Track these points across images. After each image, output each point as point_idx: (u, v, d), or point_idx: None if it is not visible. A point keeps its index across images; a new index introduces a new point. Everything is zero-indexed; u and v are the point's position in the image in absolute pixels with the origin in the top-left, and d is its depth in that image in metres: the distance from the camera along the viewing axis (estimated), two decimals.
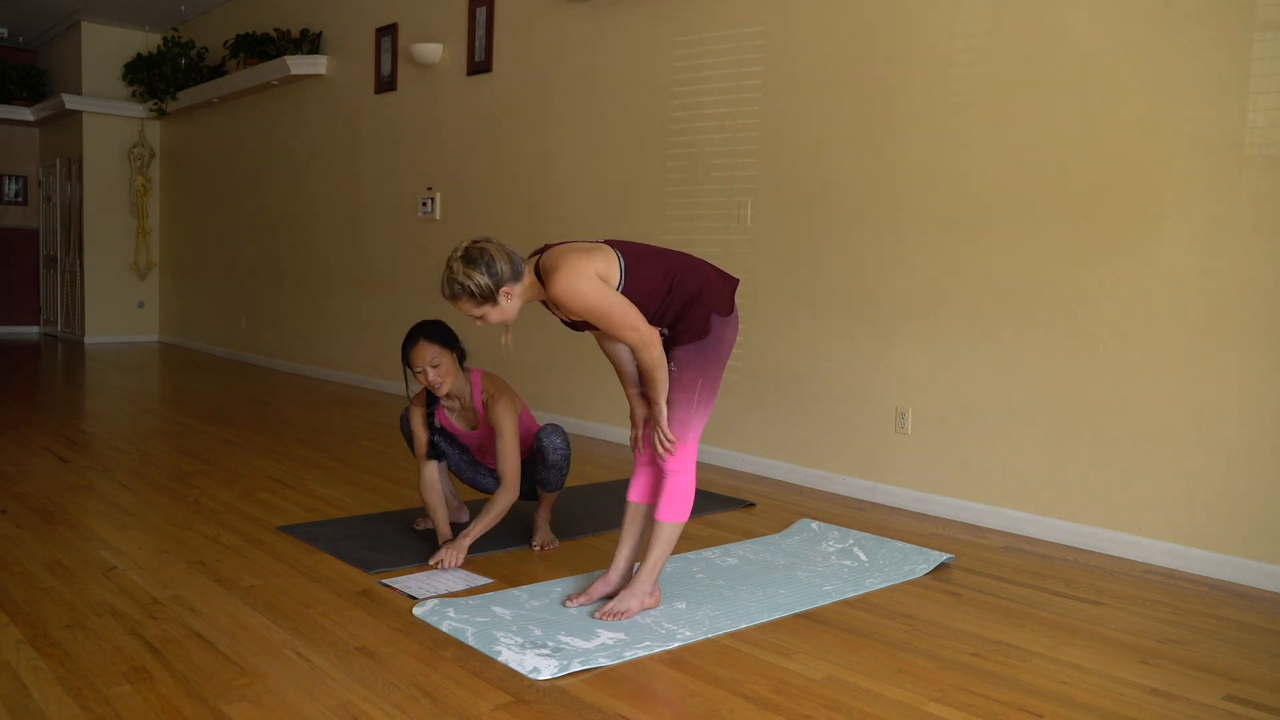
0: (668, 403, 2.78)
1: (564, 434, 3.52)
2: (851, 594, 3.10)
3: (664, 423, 2.77)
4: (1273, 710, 2.38)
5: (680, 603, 2.96)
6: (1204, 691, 2.47)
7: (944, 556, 3.47)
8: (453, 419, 3.50)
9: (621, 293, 2.65)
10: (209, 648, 2.53)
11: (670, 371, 2.77)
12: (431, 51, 6.93)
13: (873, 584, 3.21)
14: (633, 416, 2.95)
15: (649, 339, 2.67)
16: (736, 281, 2.90)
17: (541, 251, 2.73)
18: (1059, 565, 3.51)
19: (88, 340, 11.07)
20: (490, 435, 3.48)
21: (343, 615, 2.79)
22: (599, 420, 5.78)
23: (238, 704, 2.21)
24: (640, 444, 2.93)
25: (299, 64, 8.30)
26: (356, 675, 2.39)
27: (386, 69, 7.53)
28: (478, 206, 6.73)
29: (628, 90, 5.58)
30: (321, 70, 8.32)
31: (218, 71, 9.77)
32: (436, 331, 3.32)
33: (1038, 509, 3.89)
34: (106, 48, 10.97)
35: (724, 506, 4.22)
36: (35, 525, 3.62)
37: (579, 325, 2.79)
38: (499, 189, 6.53)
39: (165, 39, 10.62)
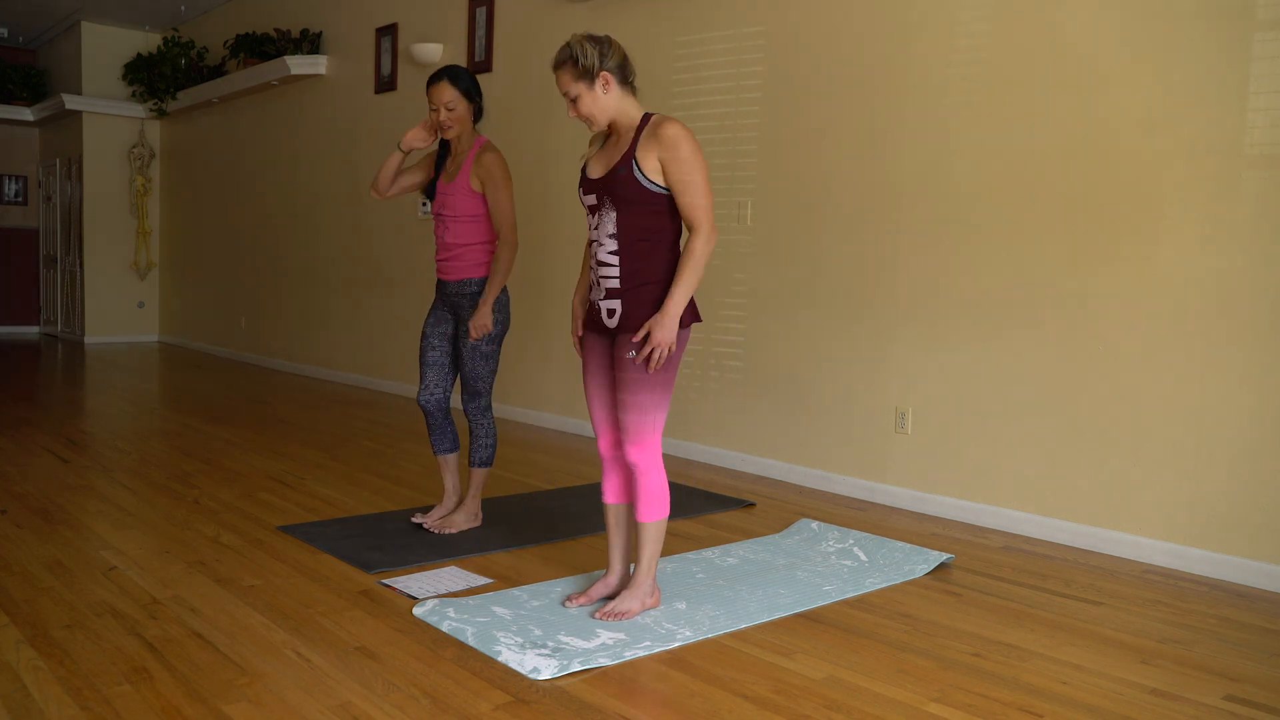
0: (628, 402, 2.74)
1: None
2: (851, 594, 3.10)
3: (663, 336, 2.68)
4: (1273, 710, 2.38)
5: (680, 603, 2.96)
6: (1204, 691, 2.47)
7: (944, 556, 3.47)
8: (446, 172, 3.57)
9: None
10: (209, 648, 2.53)
11: (629, 360, 2.73)
12: (431, 51, 6.93)
13: (873, 584, 3.21)
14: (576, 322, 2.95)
15: (712, 223, 2.68)
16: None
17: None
18: (1059, 565, 3.51)
19: (88, 340, 11.07)
20: (458, 194, 3.50)
21: (343, 615, 2.79)
22: None
23: (238, 704, 2.21)
24: (579, 347, 2.93)
25: (299, 64, 8.30)
26: (356, 675, 2.39)
27: (386, 69, 7.53)
28: None
29: None
30: (321, 70, 8.32)
31: (218, 71, 9.77)
32: (463, 77, 3.45)
33: (1038, 509, 3.89)
34: (106, 48, 10.96)
35: (724, 506, 4.22)
36: (35, 525, 3.62)
37: (597, 200, 2.75)
38: None
39: (165, 39, 10.62)
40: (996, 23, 3.98)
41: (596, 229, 2.78)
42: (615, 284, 2.74)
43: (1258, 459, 3.33)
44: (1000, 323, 3.98)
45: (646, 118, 2.73)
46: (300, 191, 8.75)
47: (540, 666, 2.43)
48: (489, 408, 3.68)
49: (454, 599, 2.90)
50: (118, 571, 3.11)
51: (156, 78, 10.69)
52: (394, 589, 3.02)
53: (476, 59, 6.63)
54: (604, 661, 2.49)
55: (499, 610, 2.82)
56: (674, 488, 4.30)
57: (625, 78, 2.73)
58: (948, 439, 4.17)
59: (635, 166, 2.68)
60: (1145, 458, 3.59)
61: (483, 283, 3.57)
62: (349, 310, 8.10)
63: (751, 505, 4.28)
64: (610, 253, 2.74)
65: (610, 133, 2.81)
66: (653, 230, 2.73)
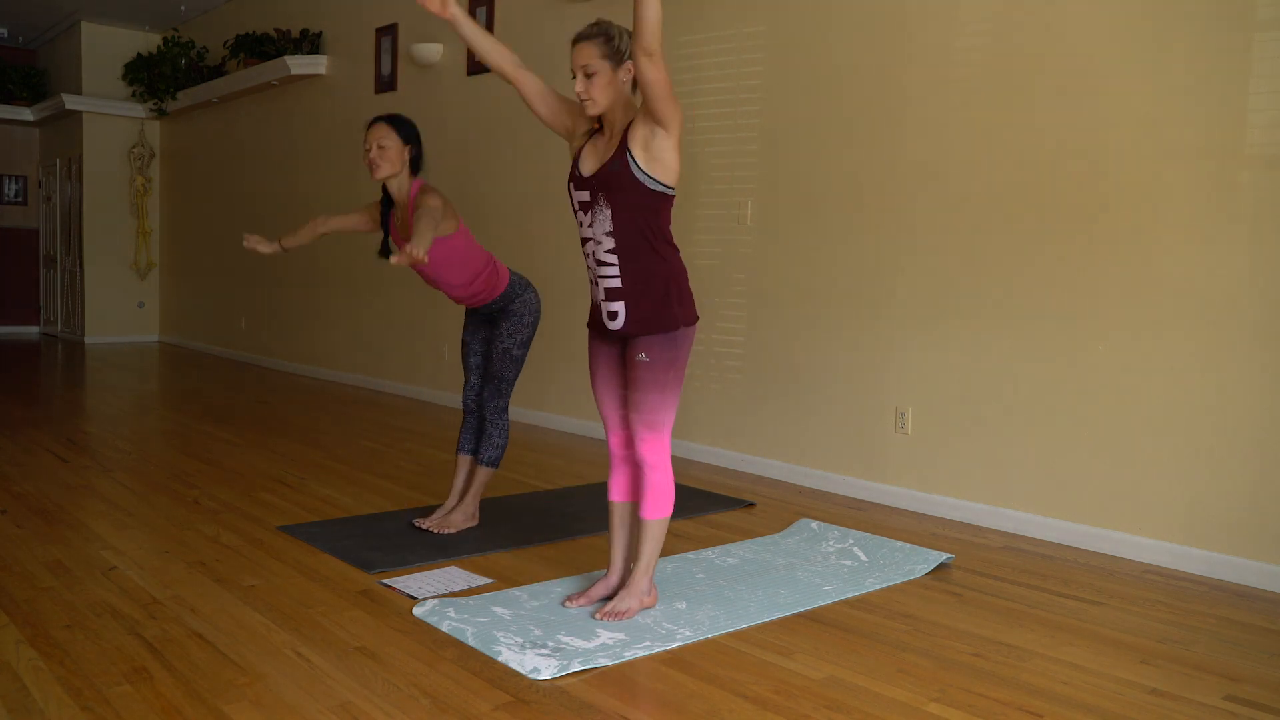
0: (640, 401, 2.76)
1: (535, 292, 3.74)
2: (851, 594, 3.10)
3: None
4: (1273, 710, 2.38)
5: (680, 603, 2.96)
6: (1204, 691, 2.47)
7: (944, 556, 3.47)
8: (396, 226, 3.59)
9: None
10: (209, 648, 2.53)
11: (641, 363, 2.74)
12: (431, 51, 6.93)
13: (873, 584, 3.21)
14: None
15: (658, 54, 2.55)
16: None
17: None
18: (1059, 565, 3.51)
19: (88, 340, 11.07)
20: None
21: (343, 615, 2.79)
22: (600, 420, 5.79)
23: (238, 704, 2.21)
24: None
25: (299, 64, 8.30)
26: (356, 675, 2.39)
27: (386, 69, 7.53)
28: (478, 206, 6.72)
29: None
30: (321, 70, 8.32)
31: (218, 71, 9.77)
32: (399, 120, 3.45)
33: (1038, 509, 3.89)
34: (106, 48, 10.97)
35: (724, 506, 4.22)
36: (35, 525, 3.62)
37: (590, 197, 2.75)
38: (499, 189, 6.53)
39: (165, 39, 10.62)
40: (996, 22, 3.98)
41: (590, 227, 2.76)
42: (616, 284, 2.74)
43: (1258, 458, 3.33)
44: (1000, 322, 3.98)
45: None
46: (300, 191, 8.75)
47: (540, 666, 2.43)
48: (506, 409, 3.73)
49: (454, 599, 2.90)
50: (118, 571, 3.11)
51: (156, 78, 10.69)
52: (394, 589, 3.02)
53: (477, 59, 6.62)
54: (604, 661, 2.49)
55: (499, 610, 2.82)
56: (675, 488, 4.29)
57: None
58: (948, 439, 4.17)
59: (630, 159, 2.66)
60: (1145, 458, 3.59)
61: (506, 296, 3.65)
62: (349, 310, 8.10)
63: (751, 505, 4.28)
64: (608, 251, 2.73)
65: (600, 127, 2.80)
66: (649, 228, 2.73)
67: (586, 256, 2.80)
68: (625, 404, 2.86)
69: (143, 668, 2.39)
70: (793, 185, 4.74)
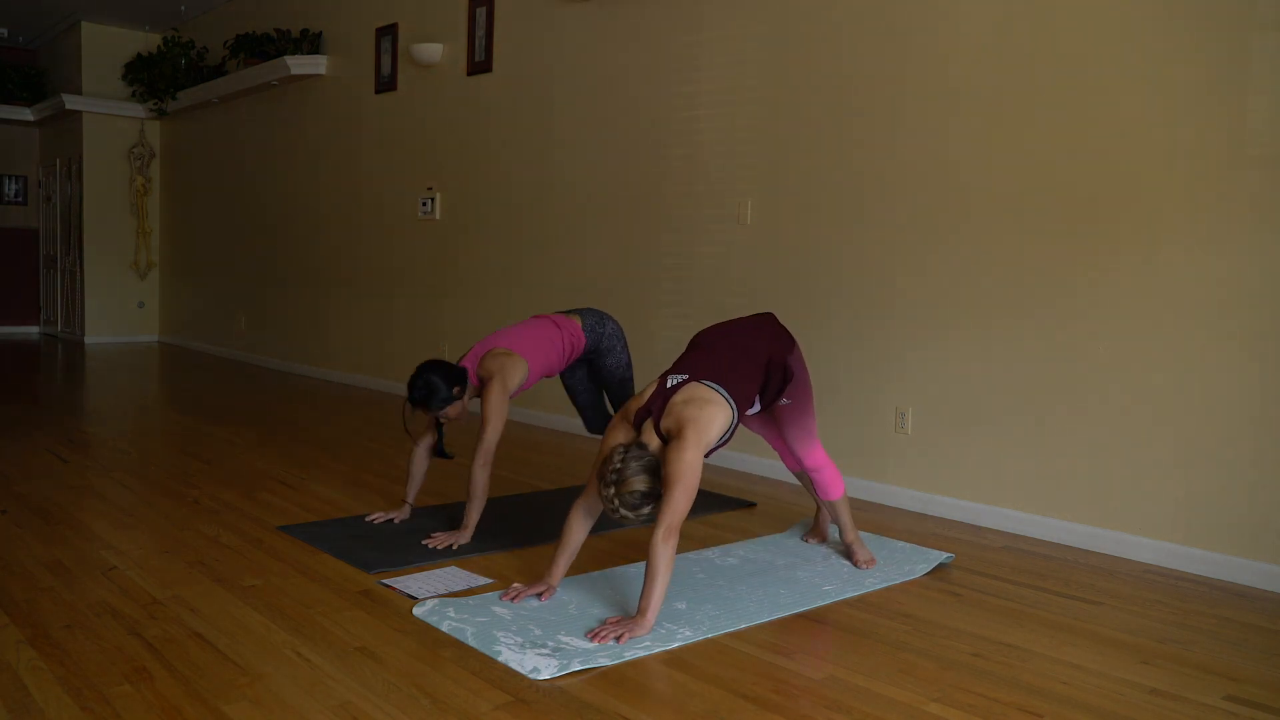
0: (791, 432, 3.29)
1: (612, 321, 3.94)
2: (851, 594, 3.10)
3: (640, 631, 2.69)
4: (1273, 710, 2.38)
5: (680, 603, 2.95)
6: (1204, 691, 2.47)
7: (944, 556, 3.47)
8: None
9: (735, 424, 2.89)
10: (209, 648, 2.53)
11: (783, 406, 3.22)
12: (431, 51, 6.93)
13: (873, 584, 3.21)
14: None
15: (676, 529, 2.67)
16: (772, 315, 3.30)
17: (656, 405, 2.83)
18: (1059, 565, 3.51)
19: (88, 340, 11.07)
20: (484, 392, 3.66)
21: (343, 615, 2.79)
22: None
23: (238, 704, 2.21)
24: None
25: (299, 64, 8.30)
26: (356, 675, 2.39)
27: (386, 69, 7.53)
28: (478, 206, 6.73)
29: (628, 90, 5.58)
30: (321, 70, 8.32)
31: (218, 71, 9.77)
32: (430, 400, 3.50)
33: (1038, 509, 3.89)
34: (106, 48, 10.97)
35: (724, 506, 4.22)
36: (35, 525, 3.62)
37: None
38: (499, 189, 6.53)
39: (165, 39, 10.62)
40: (996, 22, 3.98)
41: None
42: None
43: (1258, 458, 3.33)
44: (1001, 322, 3.98)
45: (659, 431, 2.81)
46: (300, 191, 8.75)
47: (540, 666, 2.43)
48: None
49: (454, 599, 2.90)
50: (118, 571, 3.11)
51: (156, 78, 10.69)
52: (394, 589, 3.02)
53: (476, 59, 6.63)
54: (604, 661, 2.49)
55: (499, 610, 2.82)
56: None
57: (655, 471, 2.72)
58: (948, 439, 4.17)
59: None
60: (1145, 458, 3.59)
61: (590, 345, 3.84)
62: (349, 310, 8.10)
63: (752, 505, 4.28)
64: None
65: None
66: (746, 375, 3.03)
67: None
68: (783, 437, 3.38)
69: (143, 668, 2.39)
70: (793, 185, 4.74)
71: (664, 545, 2.64)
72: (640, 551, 3.45)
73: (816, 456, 3.34)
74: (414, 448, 3.75)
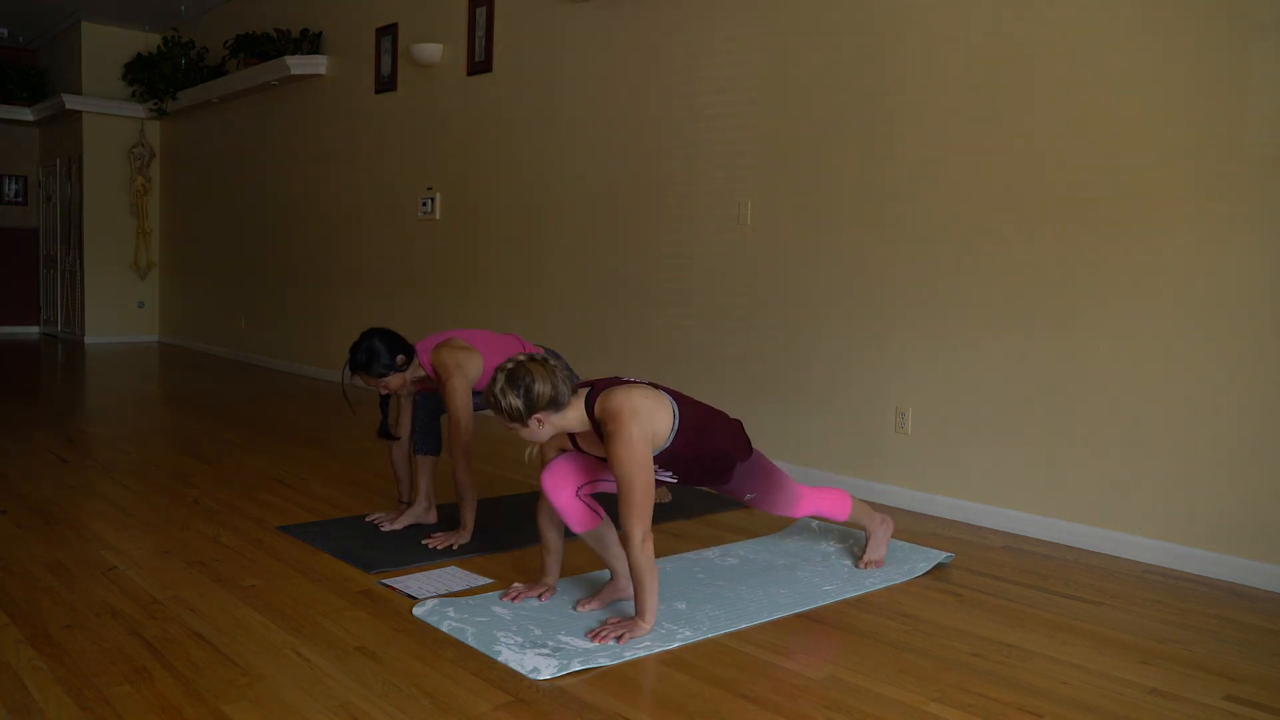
0: (777, 505, 3.07)
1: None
2: (851, 594, 3.10)
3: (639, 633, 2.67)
4: (1273, 710, 2.38)
5: (680, 603, 2.95)
6: (1204, 691, 2.47)
7: (944, 556, 3.47)
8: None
9: (668, 447, 2.71)
10: (209, 648, 2.53)
11: (750, 499, 3.03)
12: (431, 51, 6.93)
13: (873, 584, 3.21)
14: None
15: (649, 531, 2.61)
16: (739, 423, 3.00)
17: (600, 384, 2.70)
18: (1059, 565, 3.51)
19: (88, 340, 11.07)
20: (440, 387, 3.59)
21: (343, 615, 2.79)
22: None
23: (238, 704, 2.21)
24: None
25: (299, 64, 8.30)
26: (356, 675, 2.39)
27: (386, 69, 7.53)
28: (478, 207, 6.73)
29: (628, 90, 5.58)
30: (321, 70, 8.32)
31: (218, 71, 9.78)
32: (370, 365, 3.46)
33: (1038, 509, 3.89)
34: (106, 48, 10.97)
35: (724, 506, 4.22)
36: (35, 525, 3.62)
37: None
38: (499, 189, 6.53)
39: (165, 39, 10.62)
40: (996, 22, 3.98)
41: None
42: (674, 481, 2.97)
43: (1257, 459, 3.33)
44: (1000, 322, 3.98)
45: (589, 406, 2.66)
46: (300, 191, 8.75)
47: (540, 666, 2.43)
48: None
49: (454, 599, 2.90)
50: (118, 571, 3.11)
51: (156, 78, 10.69)
52: (394, 589, 3.02)
53: (476, 59, 6.63)
54: (604, 661, 2.49)
55: (499, 610, 2.82)
56: (675, 488, 4.30)
57: (557, 403, 2.61)
58: (948, 439, 4.17)
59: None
60: (1145, 458, 3.59)
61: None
62: (349, 310, 8.10)
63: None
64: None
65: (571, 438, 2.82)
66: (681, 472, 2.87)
67: None
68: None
69: (143, 668, 2.39)
70: (793, 185, 4.74)
71: (642, 551, 2.59)
72: None
73: (805, 507, 3.16)
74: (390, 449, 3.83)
